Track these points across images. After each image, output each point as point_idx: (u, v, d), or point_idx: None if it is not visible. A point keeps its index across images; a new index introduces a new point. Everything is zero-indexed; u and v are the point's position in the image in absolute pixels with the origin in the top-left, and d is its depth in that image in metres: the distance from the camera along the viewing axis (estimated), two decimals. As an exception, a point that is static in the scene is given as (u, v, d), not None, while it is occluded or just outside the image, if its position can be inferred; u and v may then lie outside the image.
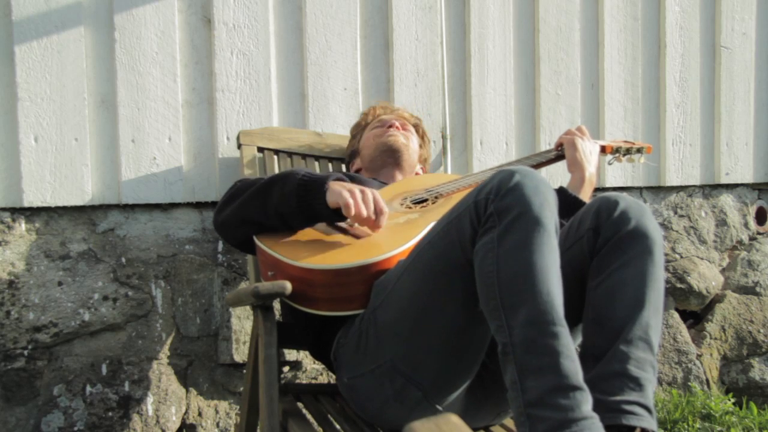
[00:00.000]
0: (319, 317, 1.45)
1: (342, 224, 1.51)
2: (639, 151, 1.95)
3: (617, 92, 2.55)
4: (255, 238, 1.50)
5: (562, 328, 1.12)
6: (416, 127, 1.97)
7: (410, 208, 1.60)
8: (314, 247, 1.43)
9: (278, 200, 1.44)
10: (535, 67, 2.45)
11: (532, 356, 1.11)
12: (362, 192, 1.41)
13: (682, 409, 2.32)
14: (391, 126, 1.88)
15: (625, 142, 2.00)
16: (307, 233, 1.49)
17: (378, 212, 1.42)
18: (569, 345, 1.12)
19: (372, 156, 1.87)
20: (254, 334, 1.70)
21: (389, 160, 1.85)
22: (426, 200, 1.63)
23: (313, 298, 1.40)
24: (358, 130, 1.99)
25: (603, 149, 1.90)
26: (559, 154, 1.82)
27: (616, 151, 1.93)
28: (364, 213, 1.39)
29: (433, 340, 1.31)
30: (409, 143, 1.88)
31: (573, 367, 1.11)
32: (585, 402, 1.09)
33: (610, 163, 2.00)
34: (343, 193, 1.39)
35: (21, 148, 1.88)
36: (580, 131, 1.81)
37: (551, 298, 1.14)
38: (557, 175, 2.44)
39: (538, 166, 1.81)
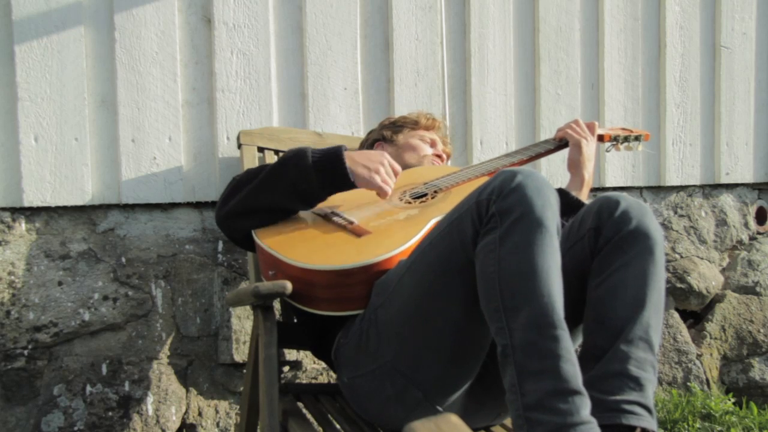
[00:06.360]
0: (321, 316, 1.44)
1: (342, 221, 1.51)
2: (637, 138, 1.94)
3: (617, 92, 2.55)
4: (255, 236, 1.49)
5: (563, 332, 1.12)
6: (448, 158, 1.99)
7: (409, 203, 1.59)
8: (315, 247, 1.42)
9: (296, 178, 1.47)
10: (535, 67, 2.45)
11: (532, 359, 1.11)
12: (381, 165, 1.52)
13: (682, 409, 2.32)
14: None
15: (623, 129, 1.99)
16: (308, 232, 1.49)
17: (396, 174, 1.55)
18: (569, 348, 1.12)
19: (407, 165, 1.85)
20: (254, 334, 1.70)
21: None
22: (425, 195, 1.62)
23: (313, 298, 1.40)
24: (405, 122, 1.94)
25: (601, 138, 1.89)
26: (558, 145, 1.81)
27: (614, 139, 1.92)
28: (390, 188, 1.52)
29: (434, 340, 1.31)
30: None
31: (573, 371, 1.11)
32: (584, 406, 1.09)
33: (607, 151, 1.99)
34: (372, 176, 1.50)
35: (21, 148, 1.88)
36: (591, 129, 1.80)
37: (552, 300, 1.13)
38: (557, 176, 2.44)
39: (537, 156, 1.81)
